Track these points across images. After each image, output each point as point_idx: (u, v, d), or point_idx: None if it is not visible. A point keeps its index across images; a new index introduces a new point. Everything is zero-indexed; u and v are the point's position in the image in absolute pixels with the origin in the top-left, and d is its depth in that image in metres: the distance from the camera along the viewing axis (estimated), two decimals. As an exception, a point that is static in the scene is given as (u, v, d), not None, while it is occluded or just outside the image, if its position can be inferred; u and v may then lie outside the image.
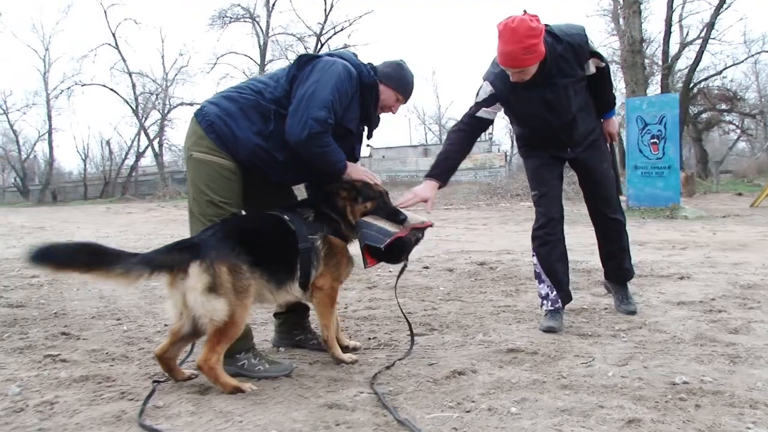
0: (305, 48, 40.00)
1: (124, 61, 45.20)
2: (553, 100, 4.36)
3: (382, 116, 4.25)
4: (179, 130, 46.46)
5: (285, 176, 3.94)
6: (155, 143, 46.75)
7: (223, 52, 48.61)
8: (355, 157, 4.16)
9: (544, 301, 4.73)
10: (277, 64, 41.56)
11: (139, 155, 48.59)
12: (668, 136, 15.57)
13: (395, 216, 3.86)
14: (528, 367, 3.68)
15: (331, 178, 3.91)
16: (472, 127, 4.55)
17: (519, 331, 4.56)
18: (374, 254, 3.78)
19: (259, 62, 41.48)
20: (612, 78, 4.88)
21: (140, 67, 63.50)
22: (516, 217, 16.50)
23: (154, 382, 3.52)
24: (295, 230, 3.68)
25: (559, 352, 3.95)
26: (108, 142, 49.43)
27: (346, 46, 39.18)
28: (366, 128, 4.15)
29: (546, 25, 4.18)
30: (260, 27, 41.49)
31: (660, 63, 30.93)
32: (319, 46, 39.74)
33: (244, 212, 3.95)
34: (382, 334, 4.61)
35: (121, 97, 45.25)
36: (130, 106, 45.36)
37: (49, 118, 49.41)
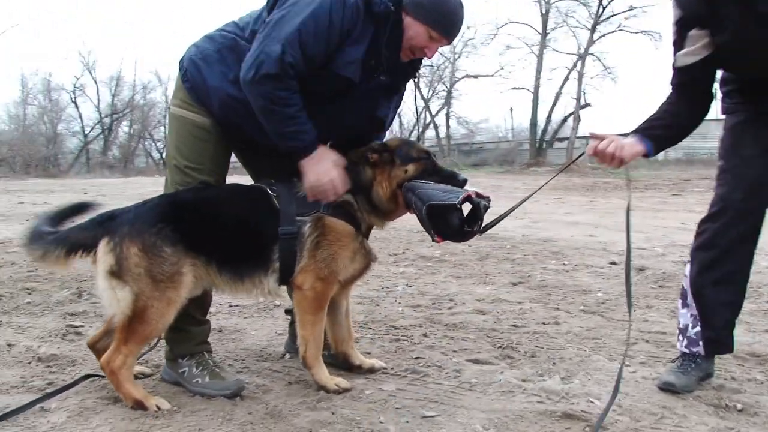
0: (589, 12, 37.16)
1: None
2: None
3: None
4: (464, 102, 46.65)
5: (269, 138, 2.92)
6: (443, 115, 47.52)
7: (504, 22, 47.01)
8: (377, 120, 3.06)
9: (680, 337, 3.09)
10: (559, 32, 39.41)
11: (424, 127, 50.02)
12: None
13: (452, 179, 2.90)
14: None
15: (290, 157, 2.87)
16: (681, 88, 2.90)
17: (629, 384, 3.01)
18: (439, 226, 2.71)
19: (540, 31, 39.65)
20: None
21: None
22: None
23: (87, 376, 2.97)
24: (280, 208, 2.80)
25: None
26: (399, 114, 51.74)
27: (631, 8, 35.55)
28: (388, 78, 2.91)
29: None
30: (540, -7, 39.54)
31: None
32: (600, 9, 36.59)
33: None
34: (435, 354, 3.40)
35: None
36: (413, 80, 46.69)
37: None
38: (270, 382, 3.00)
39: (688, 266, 3.06)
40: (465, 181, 2.87)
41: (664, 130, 2.94)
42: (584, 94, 37.44)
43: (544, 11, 39.25)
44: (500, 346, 3.52)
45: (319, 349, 2.90)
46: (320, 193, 2.80)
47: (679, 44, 2.76)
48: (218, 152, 2.99)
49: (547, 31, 39.64)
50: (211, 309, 4.20)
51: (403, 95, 3.18)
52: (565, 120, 40.23)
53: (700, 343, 2.99)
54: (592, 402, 2.75)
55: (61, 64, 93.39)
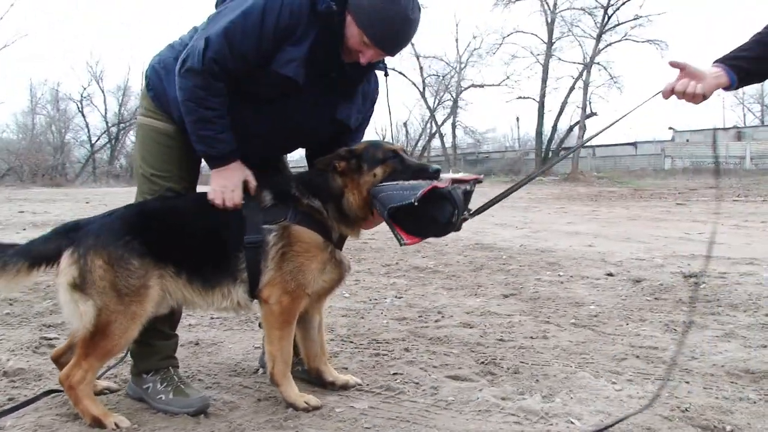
0: (594, 22, 37.08)
1: (413, 45, 46.51)
2: None
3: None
4: (470, 111, 46.51)
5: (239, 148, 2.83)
6: (449, 125, 47.35)
7: (509, 31, 46.77)
8: (338, 122, 2.93)
9: None
10: (565, 42, 39.32)
11: (430, 137, 49.86)
12: None
13: (422, 172, 2.73)
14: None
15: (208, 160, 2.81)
16: None
17: (613, 403, 2.88)
18: (410, 226, 2.64)
19: (546, 40, 39.53)
20: None
21: (432, 51, 64.00)
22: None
23: (49, 392, 2.86)
24: (245, 216, 2.71)
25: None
26: (405, 124, 51.54)
27: (637, 17, 35.49)
28: (342, 79, 2.81)
29: None
30: (547, 3, 39.41)
31: None
32: (605, 19, 36.47)
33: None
34: (415, 370, 3.28)
35: (409, 80, 46.65)
36: (418, 89, 46.53)
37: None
38: (239, 398, 2.89)
39: None
40: (437, 172, 2.68)
41: (753, 63, 2.67)
42: (590, 103, 37.34)
43: (549, 21, 39.22)
44: (483, 362, 3.39)
45: (287, 365, 2.79)
46: (217, 201, 2.74)
47: None
48: (184, 159, 2.90)
49: (553, 41, 39.61)
50: (192, 321, 4.13)
51: (374, 98, 3.07)
52: (571, 129, 40.12)
53: None
54: (572, 423, 2.63)
55: (69, 74, 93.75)
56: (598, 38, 36.80)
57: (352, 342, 3.78)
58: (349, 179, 2.79)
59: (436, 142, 49.62)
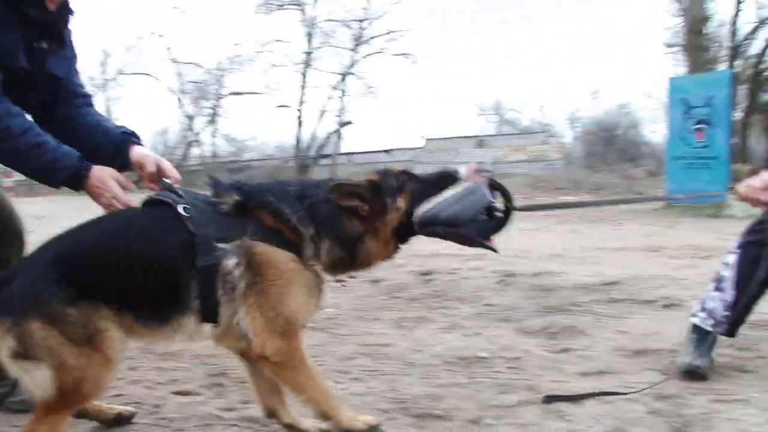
0: (351, 34, 38.66)
1: (169, 49, 44.78)
2: None
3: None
4: (231, 119, 45.81)
5: None
6: (209, 133, 46.11)
7: (270, 40, 47.02)
8: (52, 77, 2.65)
9: (701, 314, 3.30)
10: (324, 52, 40.34)
11: (189, 145, 48.25)
12: (716, 122, 13.22)
13: (444, 179, 2.36)
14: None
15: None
16: None
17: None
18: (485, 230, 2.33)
19: (305, 50, 40.32)
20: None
21: (189, 57, 62.25)
22: (537, 213, 14.50)
23: None
24: (194, 232, 2.22)
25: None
26: (163, 132, 49.25)
27: (389, 32, 37.68)
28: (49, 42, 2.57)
29: None
30: (306, 14, 40.31)
31: (727, 45, 27.98)
32: (361, 31, 38.30)
33: None
34: (138, 389, 3.07)
35: (166, 86, 44.86)
36: (176, 96, 44.94)
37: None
38: None
39: (733, 256, 3.26)
40: (456, 173, 2.36)
41: None
42: (346, 111, 38.78)
43: (308, 31, 40.05)
44: (212, 374, 3.29)
45: (332, 397, 2.41)
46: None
47: None
48: None
49: (311, 51, 40.51)
50: None
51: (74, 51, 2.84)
52: (328, 137, 41.28)
53: (725, 324, 3.21)
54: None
55: None
56: (354, 50, 38.43)
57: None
58: (370, 221, 2.34)
59: (196, 151, 48.11)
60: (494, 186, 2.35)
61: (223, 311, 2.23)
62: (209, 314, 2.24)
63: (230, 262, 2.19)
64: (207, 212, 2.27)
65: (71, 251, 2.24)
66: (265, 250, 2.22)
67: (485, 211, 2.29)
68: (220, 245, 2.20)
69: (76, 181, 2.47)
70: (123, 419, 2.65)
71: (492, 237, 2.35)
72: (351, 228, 2.32)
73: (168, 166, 2.67)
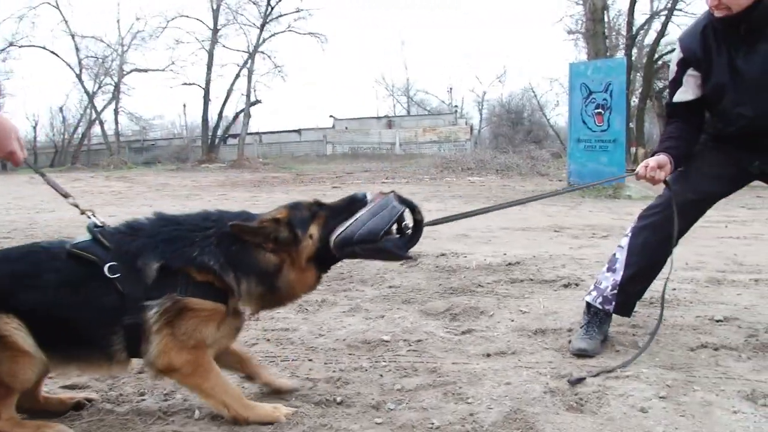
0: (259, 12, 37.80)
1: (66, 22, 42.47)
2: (747, 71, 2.99)
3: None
4: (135, 97, 44.09)
5: None
6: (111, 110, 44.11)
7: (174, 15, 45.29)
8: None
9: (594, 293, 3.42)
10: (230, 30, 39.41)
11: (90, 123, 46.04)
12: (614, 106, 13.77)
13: (354, 204, 2.51)
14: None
15: None
16: (682, 121, 3.30)
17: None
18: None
19: (211, 26, 39.12)
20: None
21: (90, 31, 59.23)
22: (444, 194, 14.73)
23: None
24: (123, 291, 2.30)
25: None
26: (61, 109, 46.74)
27: (298, 10, 37.14)
28: None
29: None
30: (211, -11, 39.03)
31: (624, 33, 29.22)
32: (269, 9, 37.54)
33: None
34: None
35: (63, 61, 42.61)
36: (74, 71, 42.68)
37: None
38: None
39: (626, 239, 3.38)
40: (364, 196, 2.51)
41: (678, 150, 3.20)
42: (254, 90, 38.01)
43: (215, 7, 38.84)
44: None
45: (239, 397, 2.47)
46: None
47: (677, 82, 3.18)
48: None
49: (218, 27, 39.35)
50: None
51: None
52: (236, 116, 40.40)
53: (614, 303, 3.33)
54: (189, 417, 2.52)
55: None
56: (262, 28, 37.58)
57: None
58: (284, 254, 2.43)
59: (97, 129, 46.00)
60: (401, 201, 2.46)
61: (150, 352, 2.31)
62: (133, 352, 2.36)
63: (152, 314, 2.27)
64: (134, 270, 2.30)
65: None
66: (191, 301, 2.31)
67: (397, 225, 2.44)
68: (148, 302, 2.27)
69: None
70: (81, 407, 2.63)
71: (408, 250, 2.51)
72: (265, 262, 2.41)
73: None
